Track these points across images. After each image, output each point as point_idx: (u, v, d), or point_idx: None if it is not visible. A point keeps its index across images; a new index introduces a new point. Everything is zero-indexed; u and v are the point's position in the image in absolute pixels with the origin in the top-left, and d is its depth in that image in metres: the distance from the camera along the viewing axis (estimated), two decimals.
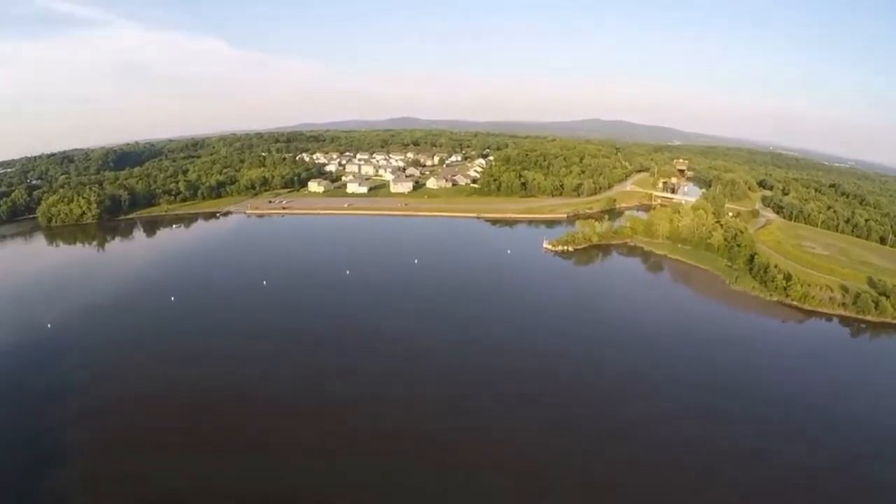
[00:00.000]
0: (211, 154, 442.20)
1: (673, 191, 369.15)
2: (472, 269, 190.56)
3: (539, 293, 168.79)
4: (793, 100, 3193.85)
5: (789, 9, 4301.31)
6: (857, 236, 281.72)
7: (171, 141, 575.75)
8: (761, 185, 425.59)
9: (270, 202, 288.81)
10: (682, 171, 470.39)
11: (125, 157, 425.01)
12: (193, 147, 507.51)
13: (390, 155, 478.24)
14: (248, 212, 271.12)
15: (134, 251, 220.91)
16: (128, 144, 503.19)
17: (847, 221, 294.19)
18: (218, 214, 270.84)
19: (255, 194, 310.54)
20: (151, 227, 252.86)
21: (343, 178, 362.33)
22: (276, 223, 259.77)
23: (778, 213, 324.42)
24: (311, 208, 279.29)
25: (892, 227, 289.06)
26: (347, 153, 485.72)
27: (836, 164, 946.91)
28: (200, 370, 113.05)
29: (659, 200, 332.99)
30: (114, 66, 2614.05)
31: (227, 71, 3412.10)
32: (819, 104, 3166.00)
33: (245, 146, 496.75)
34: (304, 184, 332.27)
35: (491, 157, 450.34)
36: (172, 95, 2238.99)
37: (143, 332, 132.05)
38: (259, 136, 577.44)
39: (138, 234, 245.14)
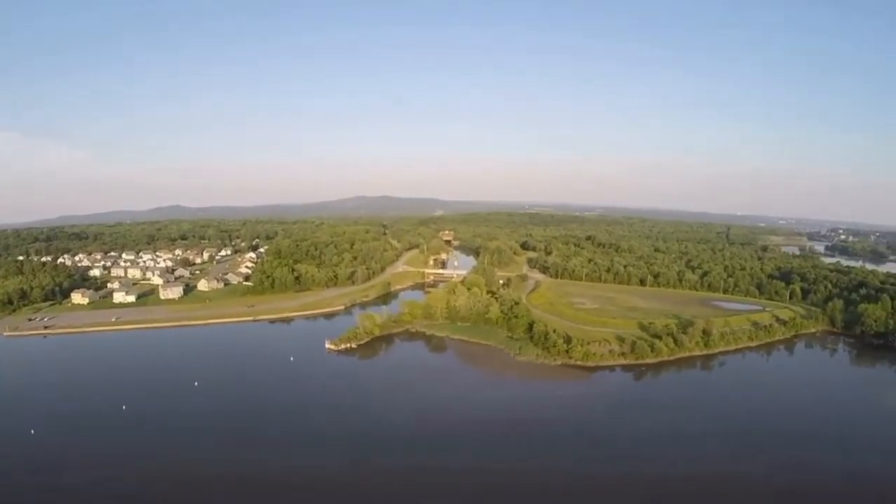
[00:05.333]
0: None
1: (443, 265, 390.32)
2: (257, 387, 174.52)
3: (326, 405, 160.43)
4: (537, 157, 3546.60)
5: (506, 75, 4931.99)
6: (620, 282, 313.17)
7: None
8: (524, 247, 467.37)
9: (30, 320, 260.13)
10: (448, 242, 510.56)
11: None
12: None
13: (157, 253, 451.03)
14: (5, 334, 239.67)
15: None
16: None
17: (608, 270, 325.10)
18: None
19: (13, 310, 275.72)
20: None
21: (109, 284, 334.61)
22: (37, 346, 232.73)
23: (544, 272, 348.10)
24: (76, 326, 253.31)
25: (647, 267, 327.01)
26: (112, 253, 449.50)
27: (587, 213, 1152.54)
28: None
29: (432, 278, 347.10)
30: None
31: None
32: (560, 159, 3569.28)
33: (1, 247, 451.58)
34: (66, 294, 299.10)
35: (262, 250, 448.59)
36: None
37: None
38: (17, 233, 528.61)
39: None
